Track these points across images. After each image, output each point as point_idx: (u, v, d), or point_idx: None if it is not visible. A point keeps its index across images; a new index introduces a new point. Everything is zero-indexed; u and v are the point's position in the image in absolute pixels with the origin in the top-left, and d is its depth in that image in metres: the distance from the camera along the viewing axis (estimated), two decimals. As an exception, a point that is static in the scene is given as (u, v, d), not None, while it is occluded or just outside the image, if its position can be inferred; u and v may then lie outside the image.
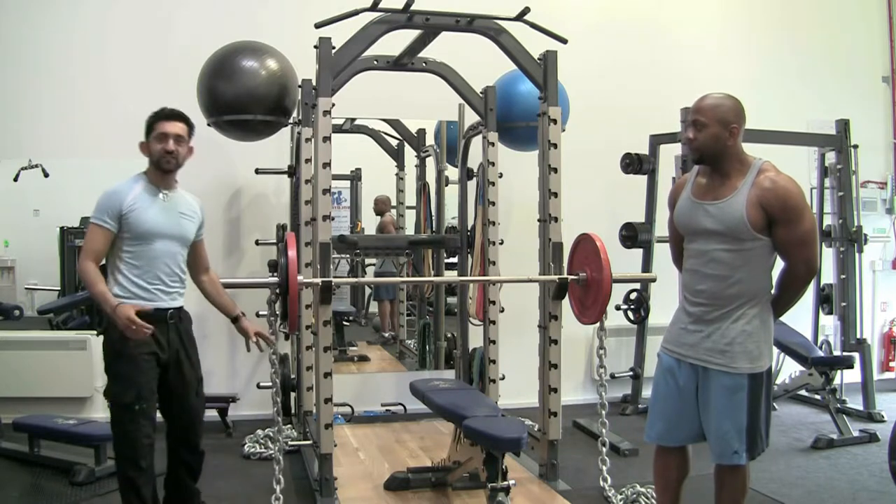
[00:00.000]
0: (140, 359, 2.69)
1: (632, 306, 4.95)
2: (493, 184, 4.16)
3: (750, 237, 2.36)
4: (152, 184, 2.80)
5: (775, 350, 4.98)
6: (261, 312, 3.13)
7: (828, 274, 5.26)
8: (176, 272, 2.81)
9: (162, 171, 2.79)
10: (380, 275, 5.61)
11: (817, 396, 4.89)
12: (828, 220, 5.25)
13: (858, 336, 5.08)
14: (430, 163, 5.31)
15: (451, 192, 5.02)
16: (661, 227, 4.64)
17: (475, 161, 4.43)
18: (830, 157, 5.20)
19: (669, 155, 4.93)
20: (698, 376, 2.48)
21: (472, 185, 4.60)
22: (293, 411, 4.50)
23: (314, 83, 3.57)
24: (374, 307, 5.92)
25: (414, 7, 3.40)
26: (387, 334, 5.79)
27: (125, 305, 2.60)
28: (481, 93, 4.21)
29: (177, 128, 2.81)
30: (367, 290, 5.86)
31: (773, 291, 2.50)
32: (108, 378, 2.74)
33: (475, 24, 3.56)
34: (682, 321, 2.54)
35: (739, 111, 2.44)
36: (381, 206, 5.56)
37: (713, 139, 2.40)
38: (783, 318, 4.94)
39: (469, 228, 4.60)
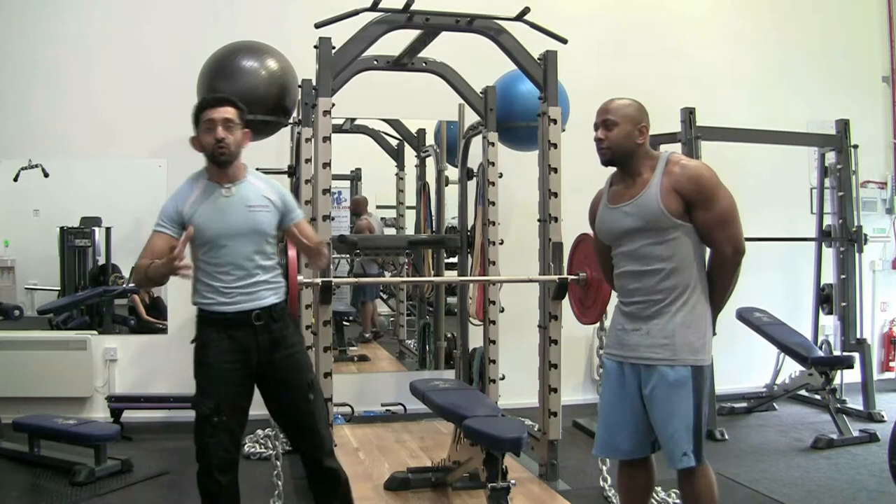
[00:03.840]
0: (220, 368, 2.48)
1: (632, 306, 4.94)
2: (493, 184, 4.17)
3: (671, 225, 2.33)
4: (213, 181, 2.54)
5: (775, 350, 5.02)
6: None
7: (828, 274, 5.26)
8: (255, 271, 2.52)
9: (217, 164, 2.52)
10: (358, 276, 5.55)
11: (817, 396, 4.89)
12: (828, 220, 5.25)
13: (858, 336, 5.08)
14: (430, 163, 5.31)
15: (451, 192, 5.02)
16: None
17: (475, 161, 4.43)
18: (830, 157, 5.19)
19: (669, 155, 4.93)
20: (640, 376, 2.39)
21: (472, 185, 4.60)
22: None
23: (314, 83, 3.57)
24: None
25: (414, 7, 3.40)
26: (367, 334, 5.76)
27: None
28: (481, 93, 4.21)
29: (224, 112, 2.51)
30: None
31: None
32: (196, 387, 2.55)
33: (475, 24, 3.56)
34: (620, 323, 2.48)
35: (645, 112, 2.47)
36: (357, 208, 5.51)
37: (624, 137, 2.40)
38: (783, 318, 5.00)
39: (469, 228, 4.60)
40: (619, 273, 2.50)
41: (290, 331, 2.62)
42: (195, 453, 2.53)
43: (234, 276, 2.50)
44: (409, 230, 5.53)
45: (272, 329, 2.54)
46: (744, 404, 5.14)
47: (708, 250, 2.41)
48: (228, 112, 2.52)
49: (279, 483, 3.18)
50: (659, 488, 3.28)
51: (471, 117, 4.46)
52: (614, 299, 2.61)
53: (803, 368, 4.80)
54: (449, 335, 5.20)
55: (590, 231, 3.43)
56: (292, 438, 2.70)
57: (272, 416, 2.69)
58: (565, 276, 3.53)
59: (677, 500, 3.23)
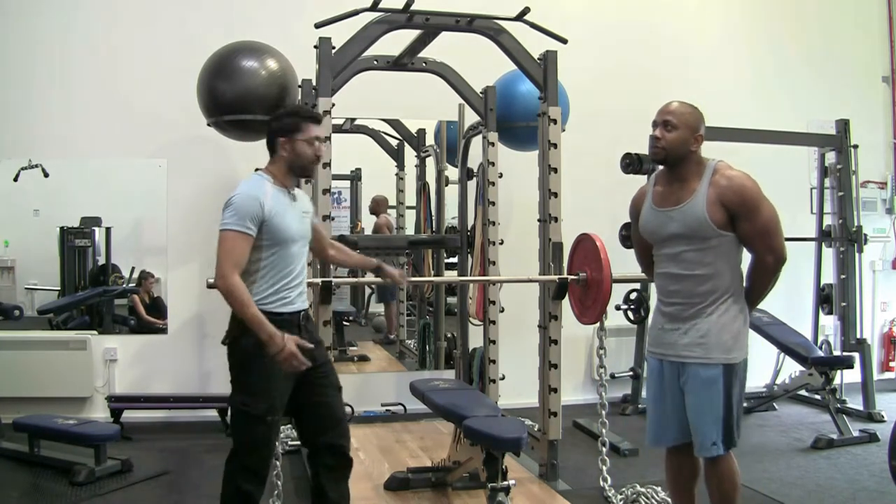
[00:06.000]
0: (276, 369, 2.46)
1: (632, 306, 4.95)
2: (493, 184, 4.17)
3: (714, 234, 2.45)
4: (281, 185, 2.57)
5: (775, 350, 5.02)
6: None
7: (828, 274, 5.26)
8: (303, 272, 2.63)
9: (300, 175, 2.64)
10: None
11: (817, 396, 4.89)
12: (828, 220, 5.25)
13: (858, 336, 5.08)
14: (430, 163, 5.31)
15: (451, 192, 5.02)
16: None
17: (475, 161, 4.43)
18: (830, 157, 5.20)
19: (669, 155, 4.94)
20: (679, 373, 2.55)
21: (472, 185, 4.60)
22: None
23: (314, 83, 3.58)
24: (374, 307, 5.92)
25: (414, 7, 3.40)
26: (392, 336, 5.77)
27: (292, 338, 2.39)
28: (481, 93, 4.21)
29: (323, 131, 2.63)
30: (367, 290, 5.85)
31: (745, 284, 2.56)
32: (237, 387, 2.52)
33: (475, 24, 3.56)
34: (660, 322, 2.62)
35: (703, 120, 2.56)
36: (377, 207, 5.54)
37: (681, 142, 2.50)
38: (783, 318, 5.01)
39: (469, 228, 4.60)
40: (660, 273, 2.63)
41: (318, 331, 2.76)
42: (240, 450, 2.51)
43: (294, 276, 2.57)
44: (409, 230, 5.53)
45: (310, 329, 2.66)
46: (744, 404, 5.13)
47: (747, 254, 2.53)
48: (323, 131, 2.64)
49: (279, 483, 3.18)
50: (658, 488, 3.28)
51: (471, 117, 4.46)
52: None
53: (803, 368, 4.80)
54: (449, 335, 5.19)
55: (589, 231, 3.47)
56: (319, 432, 2.62)
57: (300, 412, 2.64)
58: (565, 276, 3.53)
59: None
